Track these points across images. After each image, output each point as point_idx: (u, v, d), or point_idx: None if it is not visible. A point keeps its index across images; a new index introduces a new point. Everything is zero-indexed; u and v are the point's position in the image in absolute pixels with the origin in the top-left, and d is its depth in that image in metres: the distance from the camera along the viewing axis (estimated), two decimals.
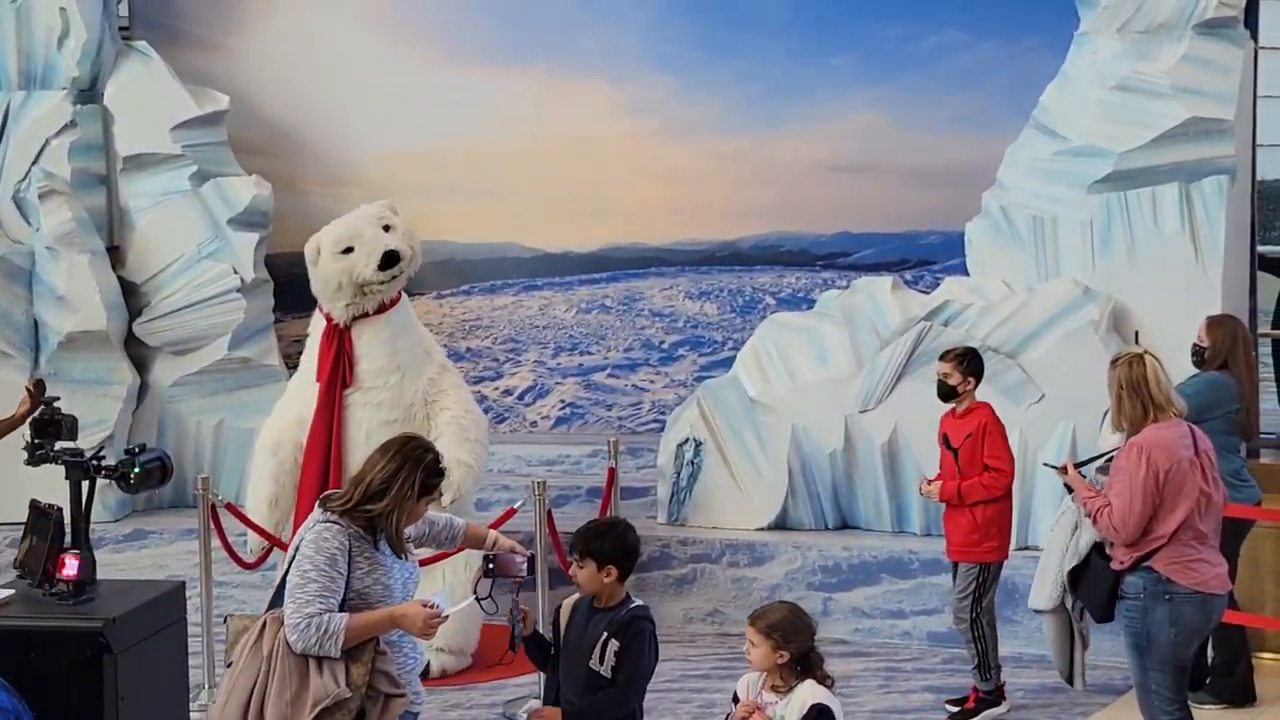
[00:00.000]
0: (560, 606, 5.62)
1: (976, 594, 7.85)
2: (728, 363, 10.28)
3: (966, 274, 9.76)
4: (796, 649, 5.26)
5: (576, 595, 5.55)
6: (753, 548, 9.38)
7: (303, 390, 8.70)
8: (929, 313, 9.28)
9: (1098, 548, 6.49)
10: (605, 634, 5.33)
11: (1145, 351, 6.35)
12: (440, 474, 5.30)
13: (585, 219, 11.23)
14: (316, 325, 8.78)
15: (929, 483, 7.99)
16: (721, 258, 11.14)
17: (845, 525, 9.61)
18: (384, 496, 5.15)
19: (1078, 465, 6.66)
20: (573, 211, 11.24)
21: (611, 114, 11.15)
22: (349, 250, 8.35)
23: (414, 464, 5.20)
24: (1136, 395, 6.19)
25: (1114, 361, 6.38)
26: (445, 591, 5.03)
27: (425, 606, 5.10)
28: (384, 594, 5.16)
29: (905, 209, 10.88)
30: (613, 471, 9.23)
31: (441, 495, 7.96)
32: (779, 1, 10.90)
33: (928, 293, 9.80)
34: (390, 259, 8.32)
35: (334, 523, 5.16)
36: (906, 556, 9.14)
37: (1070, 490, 6.62)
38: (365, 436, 8.17)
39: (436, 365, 8.75)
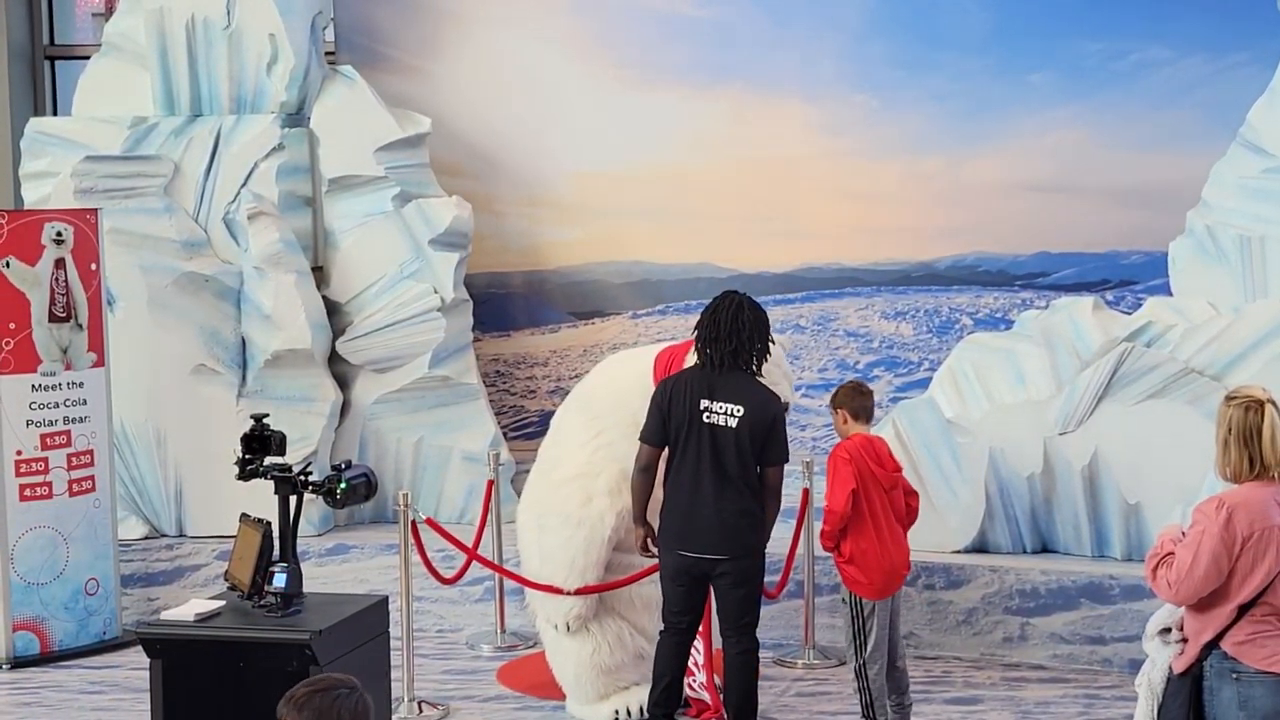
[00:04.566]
0: None
1: (856, 635, 7.61)
2: (923, 383, 10.20)
3: (1170, 294, 9.57)
4: None
5: None
6: (949, 570, 9.28)
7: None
8: (1131, 334, 9.12)
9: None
10: None
11: (1269, 399, 5.64)
12: None
13: (780, 239, 11.23)
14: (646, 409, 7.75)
15: None
16: (917, 278, 11.07)
17: (1044, 549, 9.47)
18: None
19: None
20: (767, 231, 11.25)
21: (807, 134, 11.14)
22: None
23: None
24: (1245, 446, 5.53)
25: (1230, 398, 5.69)
26: None
27: None
28: None
29: (1106, 228, 10.72)
30: (807, 492, 9.21)
31: None
32: (977, 19, 10.82)
33: (1130, 313, 9.63)
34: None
35: None
36: (1107, 582, 8.97)
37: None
38: None
39: None
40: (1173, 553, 5.59)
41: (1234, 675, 5.54)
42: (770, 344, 7.44)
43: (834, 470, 7.67)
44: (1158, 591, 5.68)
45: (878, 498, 7.70)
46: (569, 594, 7.98)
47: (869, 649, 7.59)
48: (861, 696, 7.67)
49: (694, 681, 8.09)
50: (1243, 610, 5.54)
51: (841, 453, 7.68)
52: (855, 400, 7.84)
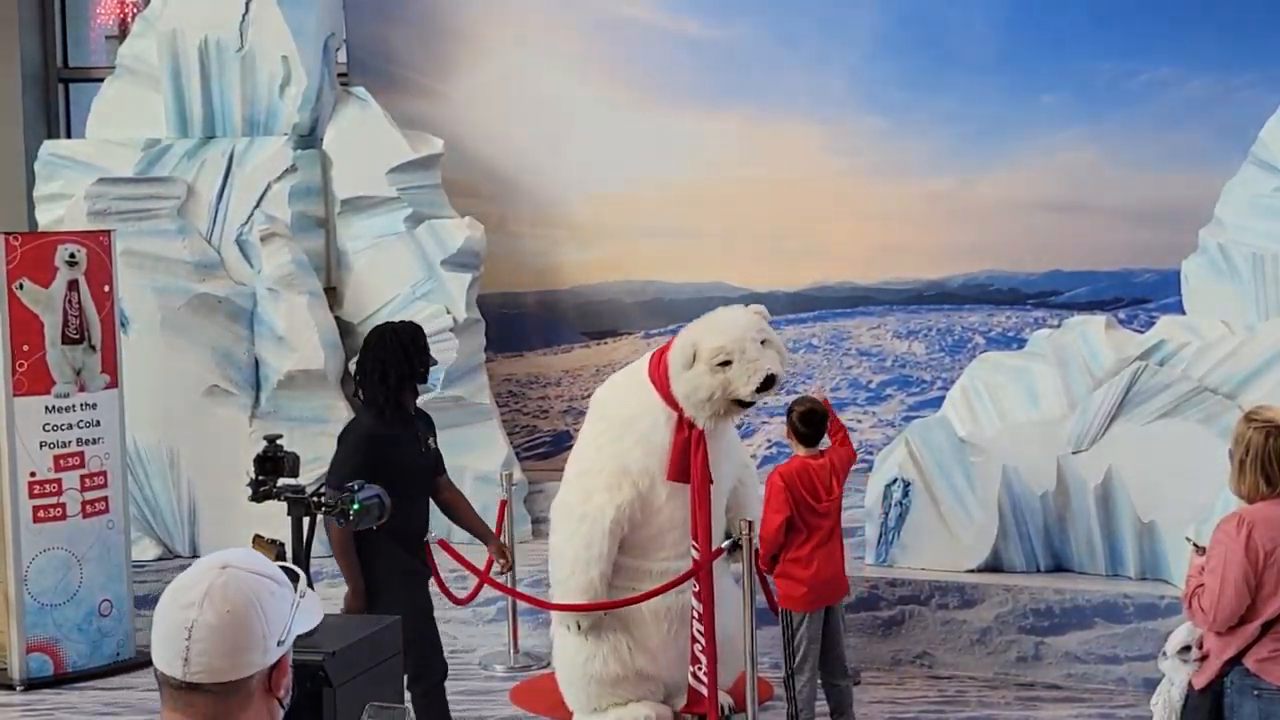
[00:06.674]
0: None
1: (785, 645, 7.86)
2: (936, 402, 10.20)
3: (1182, 313, 9.57)
4: None
5: None
6: (962, 589, 9.27)
7: (631, 468, 8.02)
8: (1144, 352, 9.11)
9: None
10: None
11: None
12: None
13: (792, 258, 11.24)
14: (642, 407, 8.00)
15: None
16: (930, 297, 11.07)
17: (1058, 568, 9.45)
18: None
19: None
20: (779, 251, 11.26)
21: (819, 154, 11.15)
22: (726, 364, 7.70)
23: None
24: (1263, 470, 5.61)
25: (1250, 418, 5.74)
26: None
27: None
28: None
29: (1118, 247, 10.72)
30: None
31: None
32: (988, 40, 10.83)
33: (1142, 332, 9.63)
34: (770, 382, 7.75)
35: None
36: (1121, 601, 8.96)
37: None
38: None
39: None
40: (1203, 584, 5.63)
41: (1255, 692, 5.56)
42: (412, 367, 7.46)
43: (769, 496, 7.85)
44: (1198, 623, 5.71)
45: (810, 520, 7.86)
46: (579, 618, 7.97)
47: (796, 660, 7.83)
48: (788, 706, 7.88)
49: (699, 670, 8.05)
50: (1266, 628, 5.56)
51: (777, 479, 7.84)
52: (800, 425, 7.99)
